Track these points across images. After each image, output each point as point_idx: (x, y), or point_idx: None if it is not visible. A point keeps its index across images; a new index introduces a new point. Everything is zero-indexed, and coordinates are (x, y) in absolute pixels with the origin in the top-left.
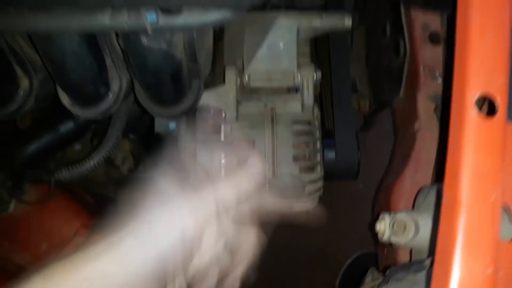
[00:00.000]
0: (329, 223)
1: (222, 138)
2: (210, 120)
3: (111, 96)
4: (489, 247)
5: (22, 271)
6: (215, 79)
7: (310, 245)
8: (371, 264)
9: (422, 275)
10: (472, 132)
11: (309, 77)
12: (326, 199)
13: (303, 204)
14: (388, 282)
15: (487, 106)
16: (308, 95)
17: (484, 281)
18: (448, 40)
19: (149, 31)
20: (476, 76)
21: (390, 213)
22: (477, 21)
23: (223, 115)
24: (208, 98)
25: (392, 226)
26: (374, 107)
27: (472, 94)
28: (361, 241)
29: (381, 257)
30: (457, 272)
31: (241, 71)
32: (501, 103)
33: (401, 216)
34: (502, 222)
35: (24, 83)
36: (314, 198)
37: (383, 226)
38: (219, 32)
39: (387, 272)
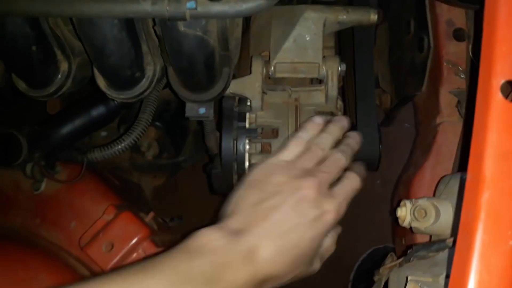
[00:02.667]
0: (345, 220)
1: (247, 125)
2: (236, 108)
3: (145, 81)
4: (511, 221)
5: (52, 246)
6: (240, 69)
7: None
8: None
9: (443, 254)
10: (496, 114)
11: (333, 69)
12: None
13: None
14: (410, 260)
15: None
16: (332, 87)
17: (505, 253)
18: (475, 32)
19: (187, 17)
20: (502, 63)
21: (411, 200)
22: (505, 10)
23: (248, 103)
24: (234, 87)
25: (413, 211)
26: (395, 102)
27: (497, 80)
28: (378, 238)
29: (399, 247)
30: (479, 244)
31: (267, 62)
32: None
33: (422, 202)
34: None
35: (63, 66)
36: None
37: (404, 212)
38: (245, 24)
39: (409, 251)
